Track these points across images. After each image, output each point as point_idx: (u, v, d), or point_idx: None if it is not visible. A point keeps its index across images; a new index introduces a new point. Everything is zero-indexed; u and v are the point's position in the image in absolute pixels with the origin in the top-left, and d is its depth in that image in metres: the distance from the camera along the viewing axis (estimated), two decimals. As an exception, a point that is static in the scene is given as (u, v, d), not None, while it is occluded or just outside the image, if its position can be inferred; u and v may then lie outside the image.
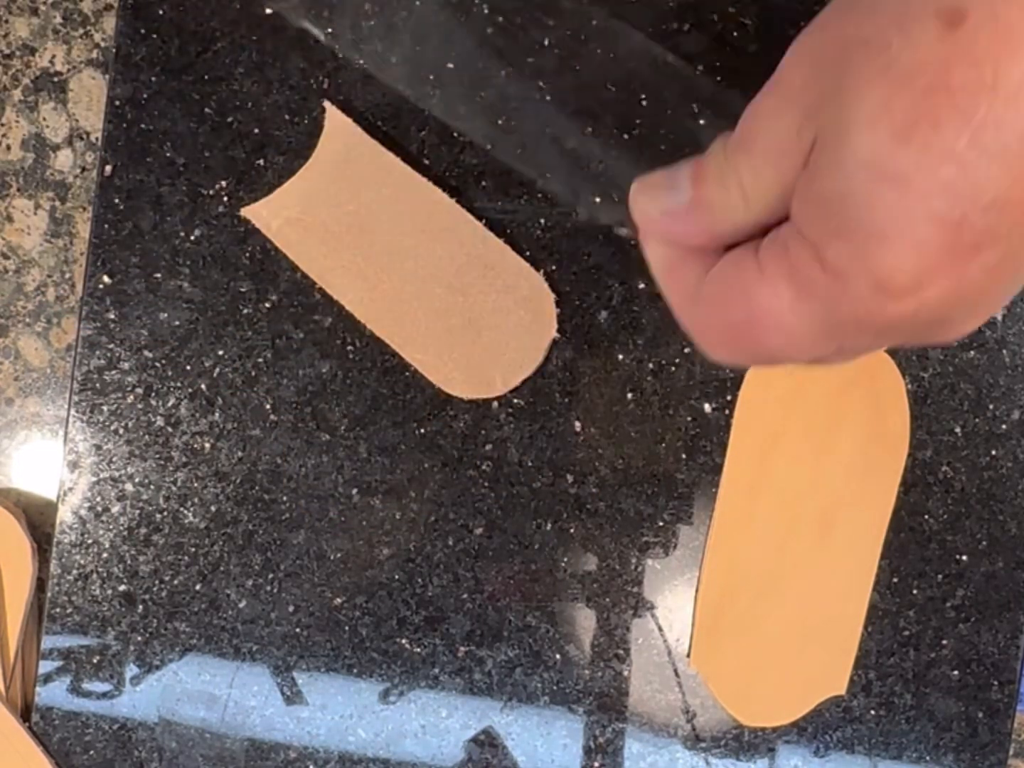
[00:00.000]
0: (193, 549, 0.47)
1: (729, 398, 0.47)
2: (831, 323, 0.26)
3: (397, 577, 0.47)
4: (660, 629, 0.47)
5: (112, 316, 0.47)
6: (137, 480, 0.47)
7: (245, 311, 0.47)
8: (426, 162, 0.46)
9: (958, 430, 0.47)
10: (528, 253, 0.46)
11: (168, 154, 0.46)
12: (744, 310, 0.27)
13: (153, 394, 0.47)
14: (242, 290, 0.47)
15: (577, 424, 0.47)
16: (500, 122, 0.46)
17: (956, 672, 0.47)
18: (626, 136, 0.46)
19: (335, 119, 0.45)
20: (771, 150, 0.27)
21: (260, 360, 0.47)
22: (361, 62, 0.46)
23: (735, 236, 0.29)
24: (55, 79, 0.49)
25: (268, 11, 0.46)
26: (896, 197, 0.23)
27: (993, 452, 0.47)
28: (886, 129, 0.23)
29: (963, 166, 0.23)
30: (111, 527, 0.47)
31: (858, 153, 0.24)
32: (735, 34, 0.46)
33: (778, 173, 0.27)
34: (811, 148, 0.25)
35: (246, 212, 0.45)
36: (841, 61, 0.25)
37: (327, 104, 0.45)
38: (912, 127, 0.23)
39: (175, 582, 0.47)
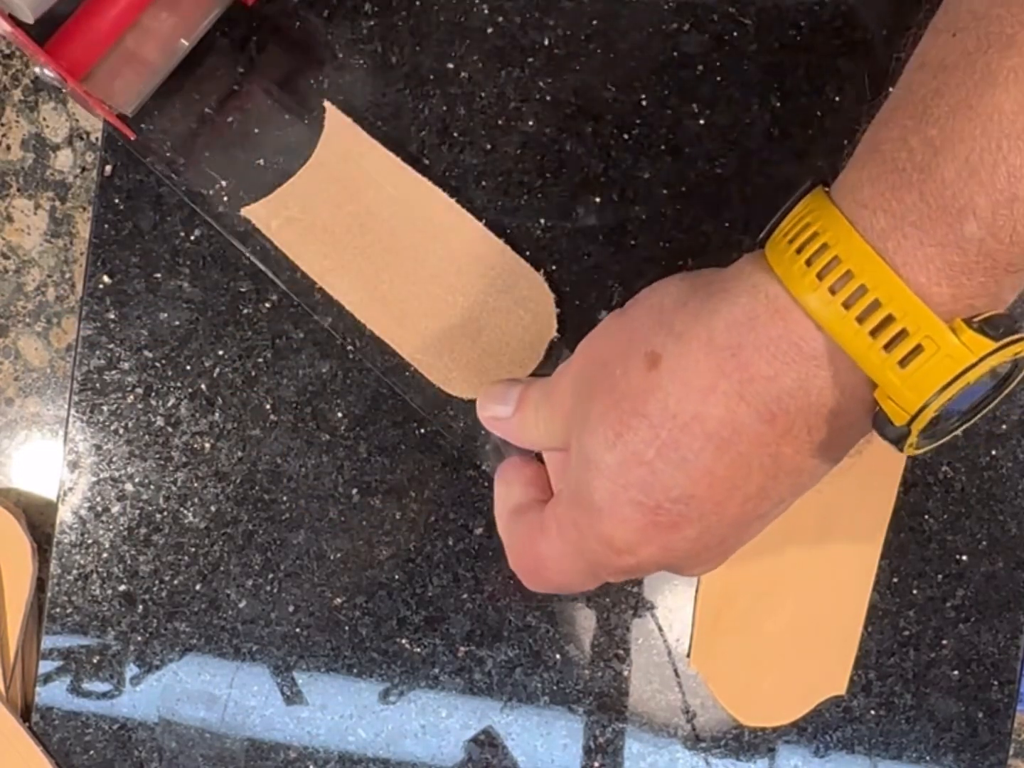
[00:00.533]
0: (193, 549, 0.47)
1: (729, 398, 0.47)
2: (588, 567, 0.34)
3: (397, 577, 0.47)
4: (660, 629, 0.47)
5: (112, 316, 0.47)
6: (137, 480, 0.47)
7: (245, 311, 0.47)
8: (426, 162, 0.46)
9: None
10: (528, 253, 0.46)
11: (168, 154, 0.46)
12: (532, 552, 0.36)
13: (153, 394, 0.47)
14: (242, 290, 0.47)
15: (577, 424, 0.47)
16: (500, 122, 0.46)
17: (956, 672, 0.47)
18: (626, 136, 0.46)
19: (335, 119, 0.45)
20: (560, 414, 0.35)
21: (260, 360, 0.47)
22: (361, 62, 0.46)
23: (539, 449, 0.39)
24: (55, 79, 0.49)
25: (268, 11, 0.46)
26: (607, 485, 0.31)
27: (993, 452, 0.47)
28: (602, 435, 0.31)
29: (653, 470, 0.31)
30: (111, 527, 0.47)
31: (585, 450, 0.32)
32: (735, 34, 0.46)
33: (566, 434, 0.35)
34: (571, 437, 0.35)
35: (246, 212, 0.45)
36: (596, 369, 0.33)
37: (327, 104, 0.45)
38: (618, 437, 0.31)
39: (175, 582, 0.47)
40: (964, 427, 0.30)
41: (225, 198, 0.46)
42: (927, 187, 0.26)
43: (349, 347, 0.47)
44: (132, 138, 0.44)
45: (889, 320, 0.27)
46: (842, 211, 0.28)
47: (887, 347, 0.27)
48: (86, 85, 0.41)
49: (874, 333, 0.27)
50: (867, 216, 0.27)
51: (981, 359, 0.27)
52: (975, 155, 0.26)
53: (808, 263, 0.28)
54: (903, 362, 0.27)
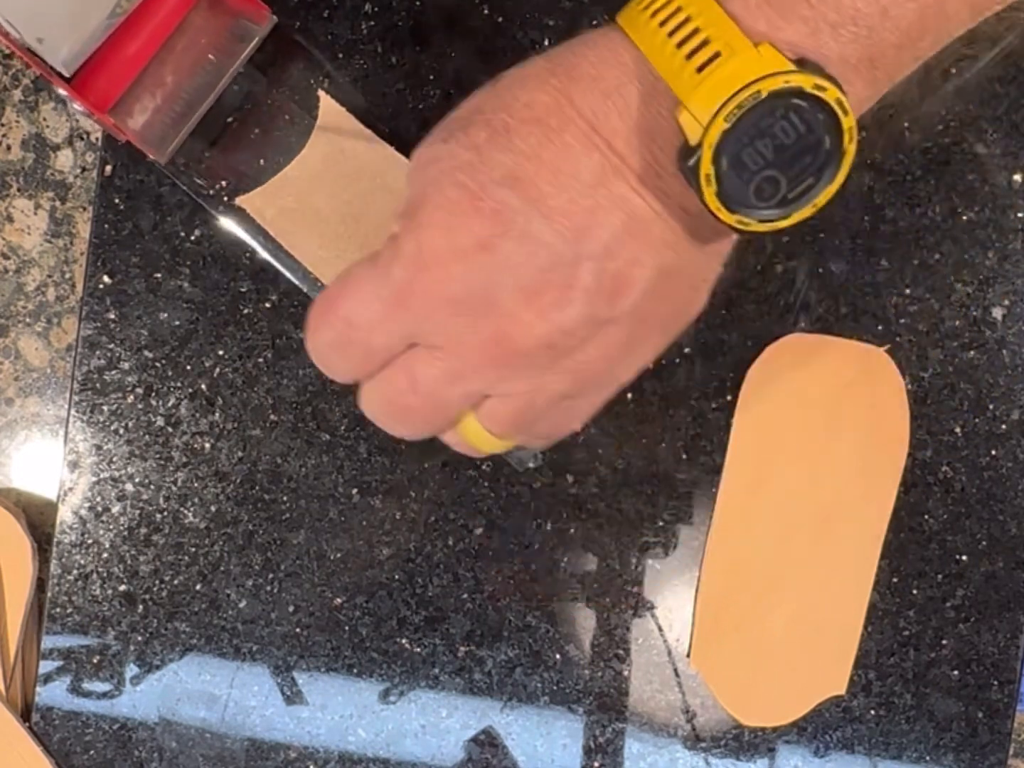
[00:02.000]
0: (193, 549, 0.47)
1: (729, 398, 0.47)
2: (395, 292, 0.31)
3: (397, 577, 0.47)
4: (660, 629, 0.47)
5: (112, 316, 0.47)
6: (137, 480, 0.47)
7: (245, 311, 0.47)
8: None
9: (958, 430, 0.47)
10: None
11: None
12: (335, 288, 0.33)
13: (153, 394, 0.47)
14: (242, 290, 0.47)
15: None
16: (500, 122, 0.46)
17: (956, 672, 0.47)
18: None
19: (329, 108, 0.45)
20: None
21: (260, 360, 0.47)
22: (361, 62, 0.46)
23: None
24: (55, 79, 0.49)
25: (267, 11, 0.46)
26: (433, 170, 0.31)
27: (993, 452, 0.47)
28: (437, 137, 0.31)
29: (480, 155, 0.30)
30: (111, 527, 0.47)
31: (420, 155, 0.32)
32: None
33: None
34: None
35: (241, 201, 0.45)
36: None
37: (321, 93, 0.45)
38: (450, 135, 0.31)
39: (175, 582, 0.47)
40: (781, 217, 0.29)
41: (225, 198, 0.46)
42: None
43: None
44: (163, 162, 0.44)
45: (695, 32, 0.28)
46: None
47: (689, 56, 0.28)
48: (112, 116, 0.42)
49: (680, 44, 0.28)
50: None
51: (775, 73, 0.27)
52: None
53: None
54: (700, 68, 0.28)
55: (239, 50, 0.43)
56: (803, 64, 0.27)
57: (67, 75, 0.39)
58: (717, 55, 0.28)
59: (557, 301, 0.30)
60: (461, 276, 0.30)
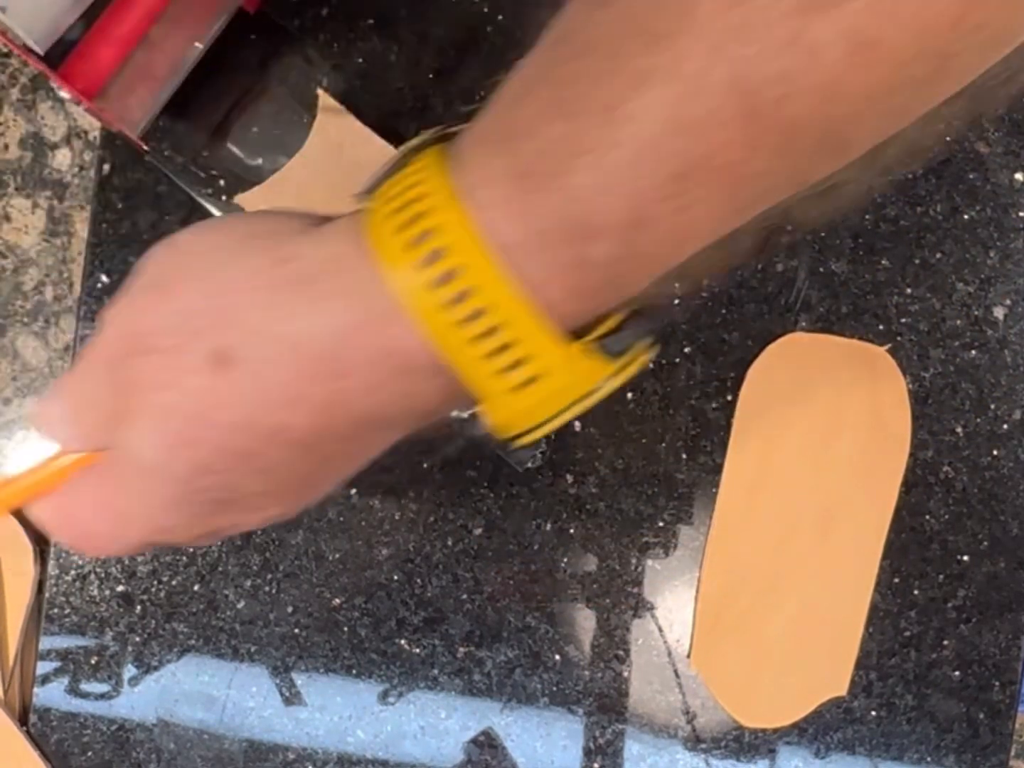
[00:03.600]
0: (191, 550, 0.47)
1: (729, 398, 0.47)
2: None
3: (396, 577, 0.47)
4: (660, 629, 0.47)
5: (110, 315, 0.46)
6: (135, 480, 0.47)
7: (244, 310, 0.46)
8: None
9: (959, 430, 0.47)
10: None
11: (166, 153, 0.46)
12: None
13: (151, 394, 0.47)
14: (241, 289, 0.46)
15: (577, 424, 0.46)
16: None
17: (957, 673, 0.47)
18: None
19: (328, 106, 0.45)
20: (92, 410, 0.30)
21: (259, 360, 0.46)
22: (361, 62, 0.46)
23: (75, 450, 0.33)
24: (53, 78, 0.49)
25: (268, 10, 0.46)
26: (170, 490, 0.28)
27: (994, 452, 0.47)
28: (161, 443, 0.27)
29: (225, 479, 0.27)
30: (109, 527, 0.47)
31: (138, 456, 0.28)
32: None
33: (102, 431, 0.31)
34: None
35: (240, 200, 0.45)
36: (137, 356, 0.28)
37: (320, 92, 0.45)
38: (181, 447, 0.27)
39: (173, 582, 0.47)
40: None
41: (224, 196, 0.46)
42: (555, 198, 0.24)
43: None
44: (146, 149, 0.44)
45: (506, 347, 0.25)
46: (459, 195, 0.24)
47: (501, 372, 0.25)
48: (101, 103, 0.41)
49: (490, 356, 0.25)
50: (490, 219, 0.24)
51: (596, 388, 0.26)
52: (609, 165, 0.23)
53: (418, 259, 0.24)
54: (517, 389, 0.26)
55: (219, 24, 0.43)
56: (618, 340, 0.27)
57: (40, 52, 0.39)
58: (534, 379, 0.25)
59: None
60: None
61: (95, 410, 0.29)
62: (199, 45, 0.43)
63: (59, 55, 0.40)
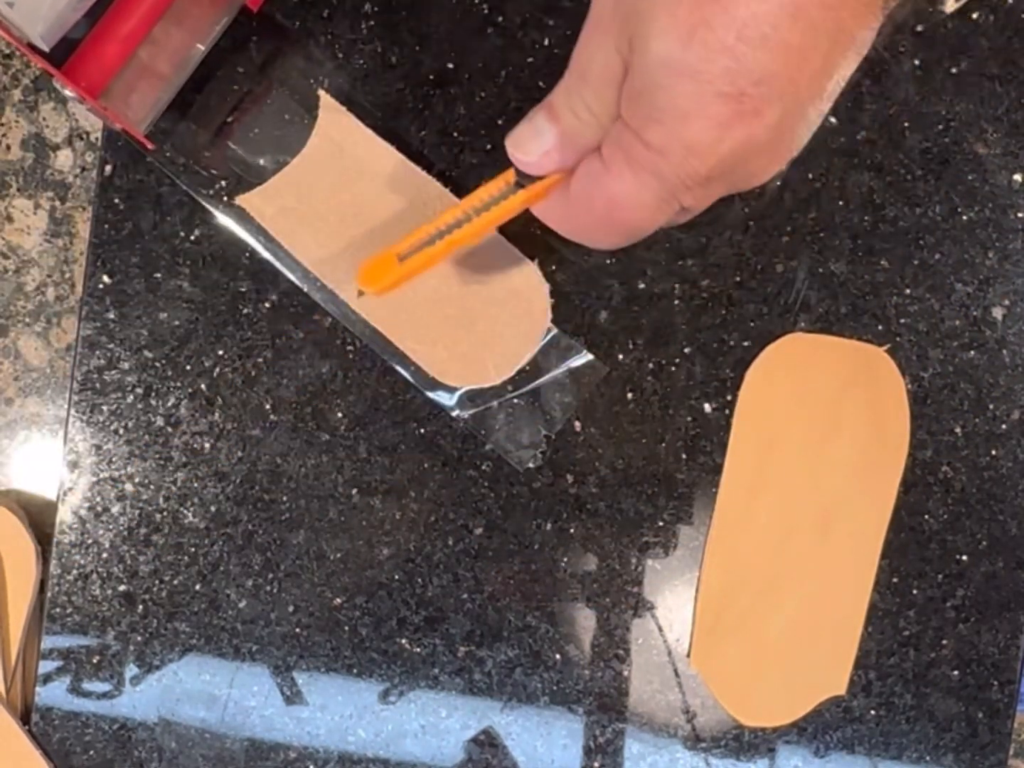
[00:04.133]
0: (193, 549, 0.47)
1: (729, 398, 0.47)
2: (665, 188, 0.33)
3: (397, 577, 0.47)
4: (660, 629, 0.47)
5: (112, 316, 0.47)
6: (137, 480, 0.47)
7: (245, 311, 0.47)
8: (426, 162, 0.46)
9: (958, 430, 0.47)
10: (528, 253, 0.46)
11: (168, 153, 0.46)
12: (602, 198, 0.34)
13: (153, 394, 0.47)
14: (242, 290, 0.47)
15: (577, 424, 0.47)
16: (500, 122, 0.46)
17: (956, 672, 0.47)
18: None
19: (329, 107, 0.45)
20: (601, 72, 0.33)
21: (260, 360, 0.47)
22: (361, 62, 0.46)
23: (593, 140, 0.35)
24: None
25: (268, 10, 0.46)
26: (690, 85, 0.30)
27: (993, 452, 0.47)
28: (674, 35, 0.30)
29: (735, 56, 0.29)
30: (111, 527, 0.47)
31: (658, 56, 0.30)
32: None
33: (613, 88, 0.33)
34: (629, 60, 0.32)
35: (241, 200, 0.45)
36: None
37: (321, 92, 0.45)
38: (693, 31, 0.30)
39: (175, 582, 0.47)
40: None
41: (225, 197, 0.46)
42: None
43: (349, 347, 0.47)
44: (150, 148, 0.44)
45: None
46: None
47: None
48: (104, 101, 0.41)
49: None
50: None
51: None
52: None
53: None
54: None
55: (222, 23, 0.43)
56: None
57: (46, 48, 0.39)
58: None
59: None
60: (729, 157, 0.32)
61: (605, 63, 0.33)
62: (201, 46, 0.44)
63: (63, 53, 0.41)
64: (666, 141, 0.32)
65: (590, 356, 0.46)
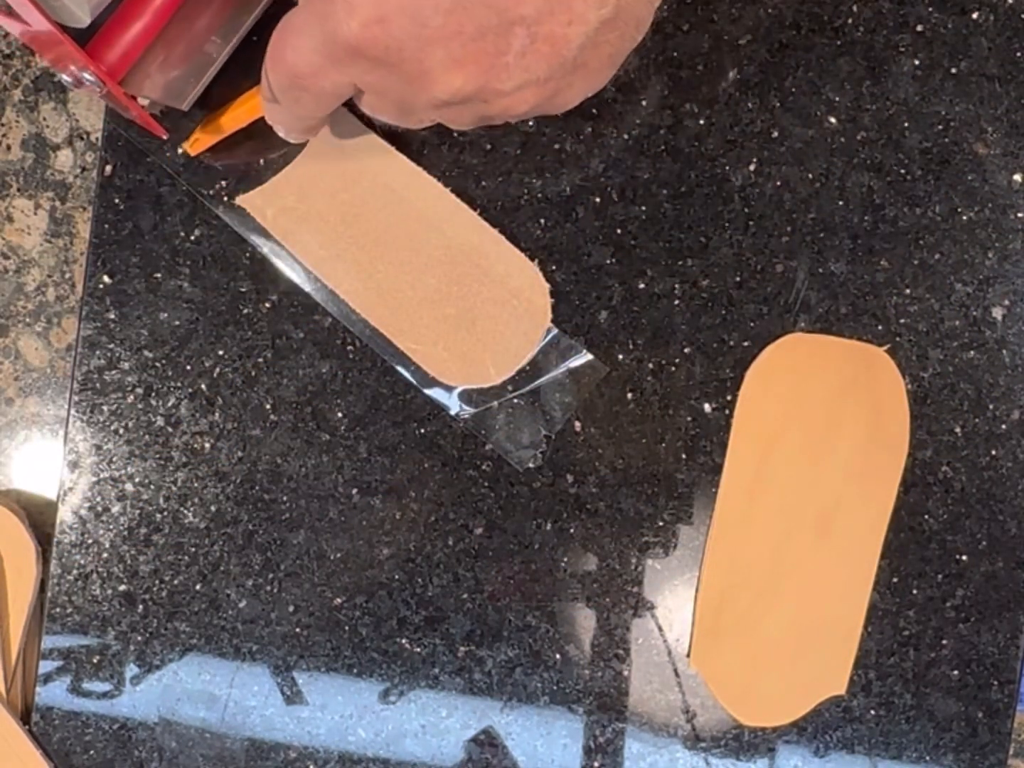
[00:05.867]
0: (193, 549, 0.47)
1: (729, 398, 0.47)
2: (331, 44, 0.32)
3: (397, 577, 0.47)
4: (660, 629, 0.47)
5: (112, 316, 0.47)
6: (137, 480, 0.47)
7: (245, 311, 0.47)
8: (426, 162, 0.46)
9: (958, 430, 0.47)
10: (528, 253, 0.46)
11: (168, 153, 0.46)
12: (278, 38, 0.34)
13: (153, 394, 0.47)
14: (242, 290, 0.47)
15: (577, 424, 0.47)
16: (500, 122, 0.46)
17: (956, 672, 0.47)
18: (626, 136, 0.46)
19: None
20: None
21: (260, 360, 0.47)
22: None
23: None
24: (55, 79, 0.49)
25: (268, 11, 0.46)
26: None
27: (993, 452, 0.47)
28: None
29: None
30: (111, 527, 0.47)
31: None
32: (735, 34, 0.46)
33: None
34: None
35: (241, 200, 0.45)
36: None
37: None
38: None
39: (175, 582, 0.47)
40: None
41: (225, 197, 0.46)
42: None
43: (349, 347, 0.47)
44: (165, 136, 0.44)
45: None
46: None
47: None
48: (125, 87, 0.41)
49: None
50: None
51: None
52: None
53: None
54: None
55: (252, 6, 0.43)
56: None
57: (87, 21, 0.38)
58: None
59: (489, 69, 0.31)
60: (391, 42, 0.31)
61: None
62: (217, 39, 0.43)
63: (87, 35, 0.40)
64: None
65: (590, 356, 0.46)
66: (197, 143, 0.45)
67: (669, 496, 0.47)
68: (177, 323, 0.47)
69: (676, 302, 0.47)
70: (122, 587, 0.47)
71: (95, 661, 0.47)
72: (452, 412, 0.46)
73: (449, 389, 0.46)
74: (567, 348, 0.46)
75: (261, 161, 0.46)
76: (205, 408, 0.47)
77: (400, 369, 0.46)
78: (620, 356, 0.47)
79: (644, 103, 0.46)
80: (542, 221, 0.46)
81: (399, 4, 0.30)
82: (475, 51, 0.30)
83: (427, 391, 0.46)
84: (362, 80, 0.34)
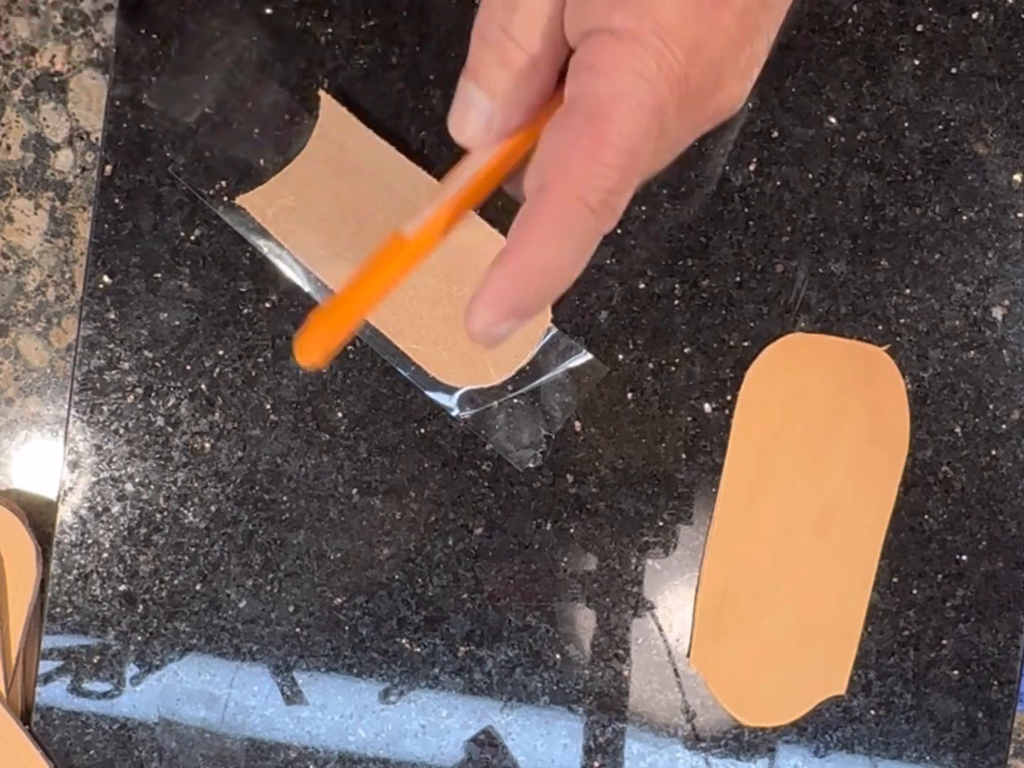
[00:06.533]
0: (193, 549, 0.47)
1: (729, 398, 0.47)
2: (650, 81, 0.27)
3: (397, 577, 0.47)
4: (660, 629, 0.47)
5: (112, 316, 0.47)
6: (137, 480, 0.47)
7: (245, 311, 0.47)
8: (426, 162, 0.46)
9: (958, 430, 0.47)
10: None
11: (168, 154, 0.46)
12: (586, 116, 0.27)
13: (153, 394, 0.47)
14: (242, 290, 0.47)
15: (577, 424, 0.47)
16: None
17: (956, 672, 0.47)
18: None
19: (329, 107, 0.45)
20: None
21: (260, 360, 0.47)
22: (361, 62, 0.46)
23: (542, 86, 0.30)
24: (55, 79, 0.49)
25: (268, 11, 0.46)
26: None
27: (993, 452, 0.47)
28: None
29: None
30: (111, 527, 0.47)
31: None
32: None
33: (544, 5, 0.28)
34: None
35: (241, 200, 0.45)
36: None
37: (322, 93, 0.45)
38: None
39: (175, 582, 0.47)
40: None
41: (225, 197, 0.46)
42: None
43: (349, 347, 0.47)
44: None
45: None
46: None
47: None
48: None
49: None
50: None
51: None
52: None
53: None
54: None
55: None
56: None
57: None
58: None
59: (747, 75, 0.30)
60: (699, 45, 0.27)
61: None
62: None
63: None
64: (637, 22, 0.27)
65: (590, 356, 0.46)
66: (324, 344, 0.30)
67: (669, 496, 0.47)
68: (177, 323, 0.47)
69: (676, 302, 0.47)
70: (122, 587, 0.47)
71: (95, 661, 0.47)
72: (453, 413, 0.46)
73: (450, 392, 0.46)
74: (567, 348, 0.46)
75: (261, 161, 0.46)
76: (205, 408, 0.47)
77: (399, 370, 0.46)
78: (620, 356, 0.47)
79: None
80: (542, 221, 0.46)
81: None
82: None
83: (429, 393, 0.46)
84: None
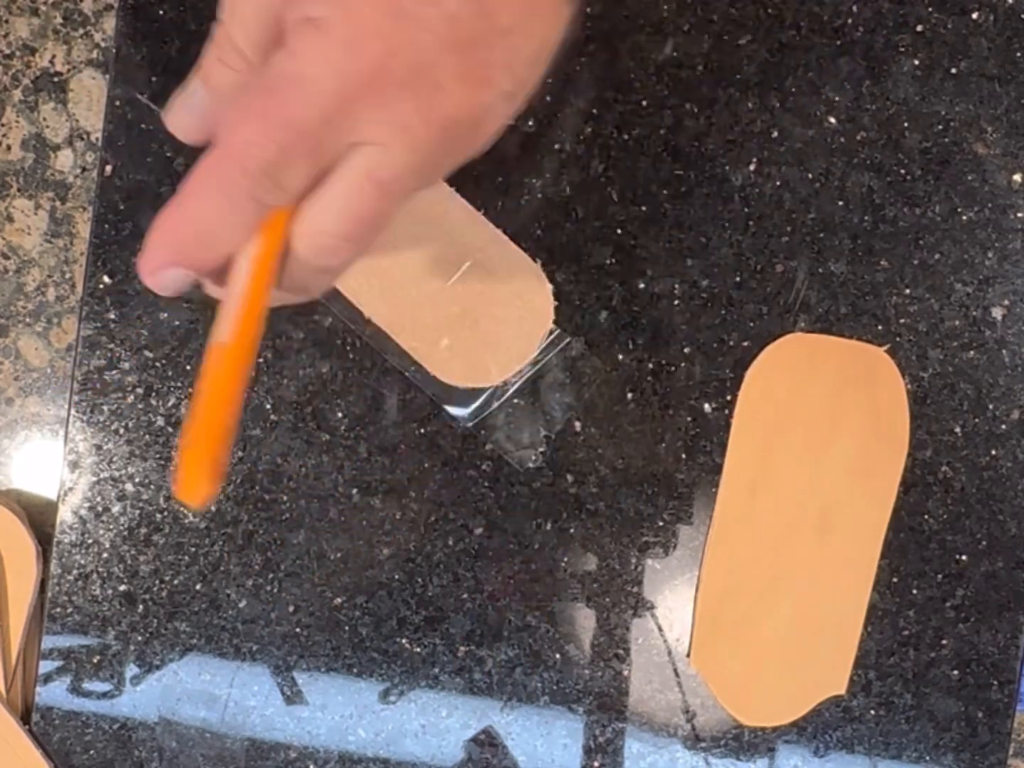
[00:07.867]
0: (193, 549, 0.47)
1: (729, 398, 0.47)
2: (334, 66, 0.28)
3: (397, 577, 0.47)
4: (660, 629, 0.47)
5: (112, 316, 0.47)
6: (137, 480, 0.47)
7: (245, 311, 0.47)
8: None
9: (958, 430, 0.47)
10: (528, 253, 0.46)
11: (168, 154, 0.46)
12: (276, 82, 0.28)
13: (153, 394, 0.47)
14: (242, 290, 0.47)
15: (577, 424, 0.47)
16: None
17: (956, 672, 0.47)
18: (626, 136, 0.46)
19: None
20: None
21: (260, 360, 0.47)
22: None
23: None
24: (55, 79, 0.49)
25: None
26: None
27: (993, 452, 0.47)
28: None
29: None
30: (111, 527, 0.47)
31: None
32: (735, 34, 0.46)
33: (259, 8, 0.30)
34: None
35: None
36: None
37: None
38: None
39: (175, 582, 0.47)
40: None
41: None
42: None
43: (349, 347, 0.47)
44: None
45: None
46: None
47: None
48: None
49: None
50: None
51: None
52: None
53: None
54: None
55: None
56: None
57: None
58: None
59: (481, 80, 0.29)
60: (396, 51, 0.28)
61: None
62: None
63: None
64: (331, 11, 0.28)
65: (590, 356, 0.46)
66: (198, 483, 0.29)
67: (669, 496, 0.47)
68: (177, 323, 0.47)
69: (676, 302, 0.47)
70: (122, 587, 0.47)
71: (95, 661, 0.47)
72: (469, 425, 0.46)
73: (465, 405, 0.46)
74: (567, 348, 0.46)
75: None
76: (205, 408, 0.47)
77: (401, 370, 0.46)
78: (620, 356, 0.47)
79: (644, 103, 0.46)
80: (542, 221, 0.46)
81: None
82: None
83: (446, 407, 0.46)
84: None
